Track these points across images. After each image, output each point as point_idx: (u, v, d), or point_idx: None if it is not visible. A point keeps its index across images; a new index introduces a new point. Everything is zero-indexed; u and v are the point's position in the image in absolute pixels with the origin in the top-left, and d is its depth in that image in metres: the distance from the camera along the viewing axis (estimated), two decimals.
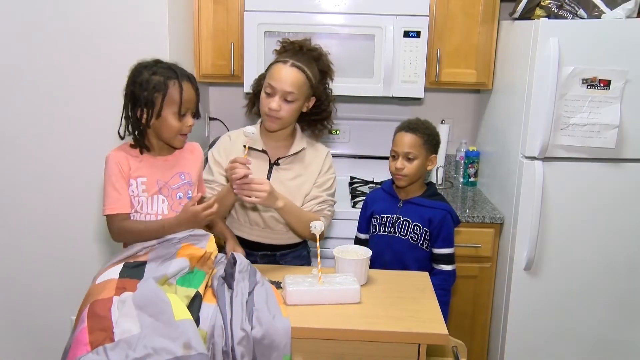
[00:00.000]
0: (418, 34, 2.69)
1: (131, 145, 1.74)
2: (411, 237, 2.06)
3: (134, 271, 1.56)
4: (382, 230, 2.11)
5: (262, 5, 2.67)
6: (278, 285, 1.76)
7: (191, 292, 1.54)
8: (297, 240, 2.09)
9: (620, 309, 2.55)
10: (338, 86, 2.64)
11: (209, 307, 1.54)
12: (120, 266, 1.58)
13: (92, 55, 2.36)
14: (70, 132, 2.44)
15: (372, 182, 2.91)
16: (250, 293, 1.58)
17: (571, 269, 2.52)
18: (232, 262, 1.66)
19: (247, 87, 2.73)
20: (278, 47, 2.05)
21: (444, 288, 2.05)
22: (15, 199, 2.50)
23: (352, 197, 2.74)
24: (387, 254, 2.08)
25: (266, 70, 2.00)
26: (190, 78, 1.71)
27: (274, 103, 1.91)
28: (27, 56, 2.37)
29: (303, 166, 2.04)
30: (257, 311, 1.51)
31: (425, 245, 2.07)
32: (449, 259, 2.07)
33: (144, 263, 1.59)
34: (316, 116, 2.06)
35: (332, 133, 3.09)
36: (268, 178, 1.99)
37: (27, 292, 2.58)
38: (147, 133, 1.71)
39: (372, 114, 3.17)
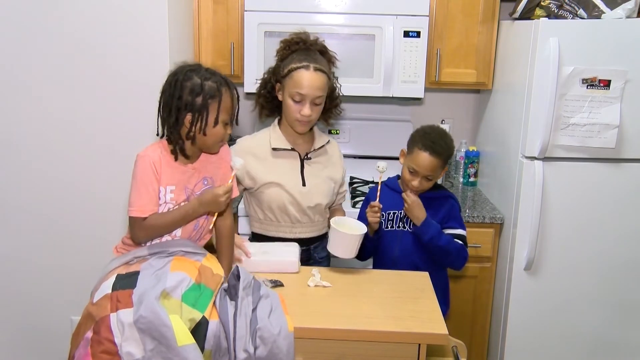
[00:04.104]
0: (418, 34, 2.69)
1: (171, 151, 1.65)
2: None
3: (126, 282, 1.53)
4: (389, 226, 2.12)
5: (262, 5, 2.67)
6: (277, 284, 1.76)
7: (197, 315, 1.48)
8: (326, 229, 2.18)
9: (620, 309, 2.55)
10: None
11: (212, 324, 1.51)
12: (112, 278, 1.55)
13: (91, 56, 2.36)
14: (69, 133, 2.43)
15: (372, 182, 2.91)
16: (254, 310, 1.56)
17: (571, 269, 2.52)
18: (236, 276, 1.64)
19: (248, 87, 2.74)
20: (279, 47, 2.05)
21: (465, 252, 2.08)
22: (15, 200, 2.49)
23: (352, 197, 2.74)
24: (396, 249, 2.10)
25: (282, 75, 1.99)
26: (233, 85, 1.66)
27: (307, 109, 1.96)
28: (28, 56, 2.36)
29: (327, 157, 2.15)
30: (260, 330, 1.50)
31: None
32: (463, 240, 2.10)
33: (136, 273, 1.56)
34: (329, 105, 2.11)
35: (332, 133, 3.09)
36: (301, 173, 2.06)
37: (26, 293, 2.58)
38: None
39: (372, 114, 3.17)
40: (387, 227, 2.13)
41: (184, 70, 1.61)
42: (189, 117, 1.59)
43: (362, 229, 1.87)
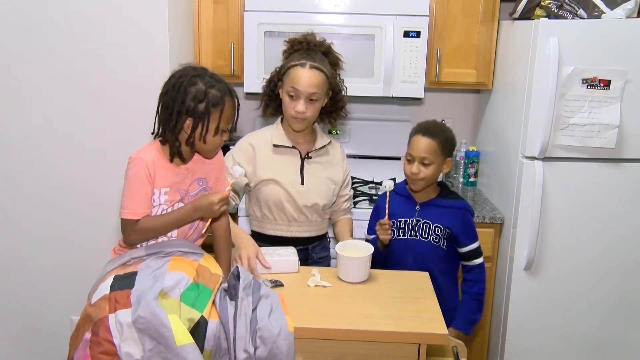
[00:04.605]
0: (418, 34, 2.69)
1: (169, 153, 1.64)
2: (433, 239, 2.06)
3: (123, 282, 1.52)
4: (401, 234, 2.10)
5: (262, 5, 2.67)
6: (277, 284, 1.76)
7: (195, 315, 1.48)
8: (325, 230, 2.21)
9: (620, 309, 2.55)
10: None
11: (212, 324, 1.50)
12: (110, 279, 1.55)
13: (91, 56, 2.36)
14: (69, 133, 2.44)
15: (372, 182, 2.90)
16: (254, 310, 1.56)
17: (571, 269, 2.52)
18: (236, 276, 1.63)
19: (248, 87, 2.74)
20: (285, 47, 2.10)
21: (482, 280, 2.12)
22: (15, 200, 2.50)
23: (353, 197, 2.74)
24: (409, 258, 2.08)
25: (282, 73, 2.05)
26: (235, 94, 1.66)
27: (301, 106, 1.99)
28: (27, 56, 2.36)
29: (328, 158, 2.17)
30: (260, 330, 1.50)
31: (445, 245, 2.07)
32: (477, 252, 2.11)
33: (134, 273, 1.55)
34: (333, 107, 2.13)
35: (332, 133, 3.09)
36: (301, 172, 2.08)
37: (26, 293, 2.58)
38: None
39: (372, 114, 3.17)
40: (398, 236, 2.10)
41: (189, 74, 1.60)
42: (189, 122, 1.59)
43: (369, 249, 1.86)
